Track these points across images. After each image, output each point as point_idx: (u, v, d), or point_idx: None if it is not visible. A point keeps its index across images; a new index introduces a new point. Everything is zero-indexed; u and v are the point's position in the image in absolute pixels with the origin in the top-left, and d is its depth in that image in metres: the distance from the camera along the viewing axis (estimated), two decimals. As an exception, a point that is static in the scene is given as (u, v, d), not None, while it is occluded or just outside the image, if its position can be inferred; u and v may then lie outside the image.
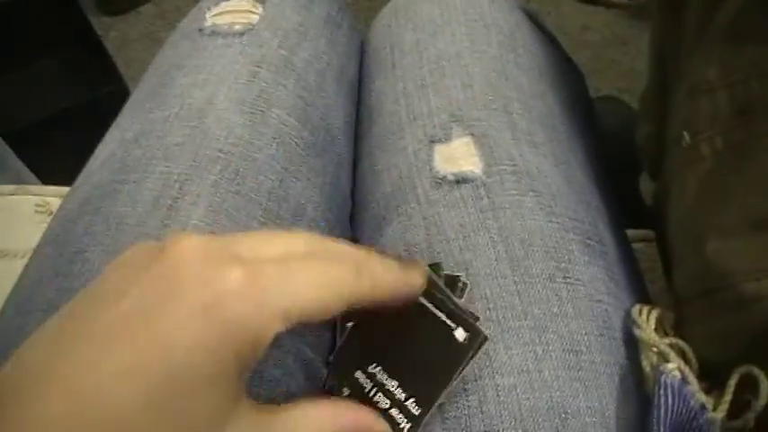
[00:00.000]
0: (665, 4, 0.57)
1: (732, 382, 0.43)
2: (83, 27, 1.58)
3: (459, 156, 0.56)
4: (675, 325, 0.50)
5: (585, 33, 1.72)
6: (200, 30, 0.63)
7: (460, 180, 0.54)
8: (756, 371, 0.43)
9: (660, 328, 0.49)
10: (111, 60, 1.52)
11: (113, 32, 1.76)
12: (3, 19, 1.58)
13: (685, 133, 0.50)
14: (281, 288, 0.32)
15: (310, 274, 0.34)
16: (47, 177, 1.16)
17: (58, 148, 1.26)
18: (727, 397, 0.43)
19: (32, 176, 1.12)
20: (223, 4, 0.65)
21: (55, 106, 1.41)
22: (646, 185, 1.13)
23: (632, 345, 0.50)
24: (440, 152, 0.56)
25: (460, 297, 0.49)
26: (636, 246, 0.81)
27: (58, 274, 0.49)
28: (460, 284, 0.49)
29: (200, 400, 0.30)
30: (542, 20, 0.73)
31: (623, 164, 0.89)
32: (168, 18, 1.80)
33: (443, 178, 0.55)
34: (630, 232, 0.81)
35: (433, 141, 0.57)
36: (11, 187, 0.80)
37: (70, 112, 1.40)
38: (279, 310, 0.32)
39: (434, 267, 0.49)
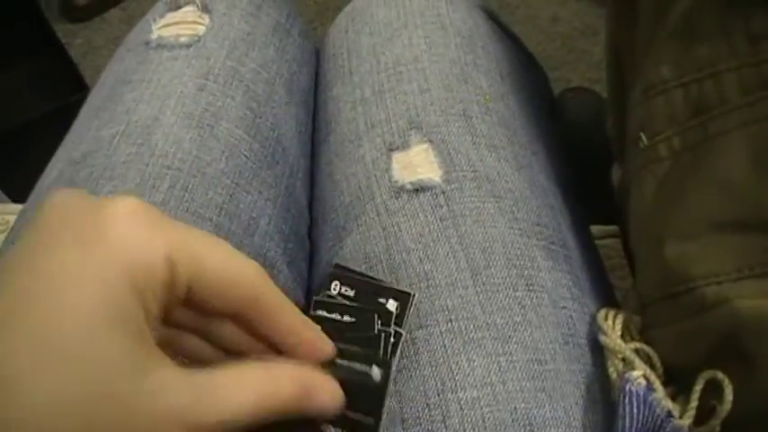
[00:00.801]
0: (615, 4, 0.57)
1: (698, 388, 0.43)
2: (46, 35, 1.56)
3: (417, 163, 0.55)
4: (642, 329, 0.49)
5: (556, 24, 1.71)
6: (147, 43, 0.62)
7: (419, 188, 0.53)
8: (720, 376, 0.42)
9: (627, 333, 0.49)
10: (77, 68, 1.50)
11: (78, 40, 1.73)
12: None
13: (642, 134, 0.49)
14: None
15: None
16: (15, 191, 1.14)
17: (24, 160, 1.24)
18: (693, 403, 0.43)
19: (-1, 192, 1.11)
20: (169, 15, 0.64)
21: (20, 117, 1.38)
22: (616, 177, 1.13)
23: (598, 351, 0.49)
24: (398, 160, 0.56)
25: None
26: (606, 242, 0.80)
27: None
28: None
29: (104, 342, 0.30)
30: (501, 19, 0.72)
31: (595, 155, 0.89)
32: (134, 23, 1.77)
33: (402, 187, 0.54)
34: (600, 228, 0.81)
35: (391, 149, 0.56)
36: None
37: (36, 123, 1.37)
38: (166, 245, 0.33)
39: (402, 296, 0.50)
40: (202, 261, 0.34)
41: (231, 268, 0.35)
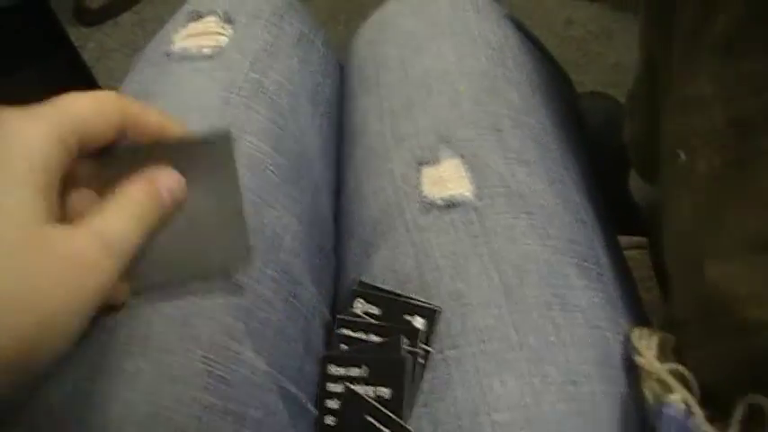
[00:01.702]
0: (653, 4, 0.55)
1: (738, 414, 0.42)
2: (60, 38, 1.55)
3: (448, 178, 0.54)
4: (676, 348, 0.48)
5: (570, 28, 1.70)
6: (168, 54, 0.60)
7: (450, 204, 0.52)
8: (763, 400, 0.41)
9: (661, 354, 0.48)
10: (89, 71, 1.49)
11: (91, 43, 1.72)
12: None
13: (680, 151, 0.48)
14: None
15: None
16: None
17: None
18: (734, 429, 0.42)
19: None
20: (191, 25, 0.62)
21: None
22: (635, 184, 1.12)
23: (632, 372, 0.48)
24: (428, 175, 0.55)
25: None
26: (629, 253, 0.79)
27: None
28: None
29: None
30: (528, 27, 0.71)
31: (611, 162, 0.88)
32: (147, 27, 1.77)
33: (432, 203, 0.53)
34: (624, 240, 0.79)
35: (420, 163, 0.55)
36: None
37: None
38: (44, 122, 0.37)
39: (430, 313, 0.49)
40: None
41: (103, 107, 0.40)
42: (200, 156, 0.45)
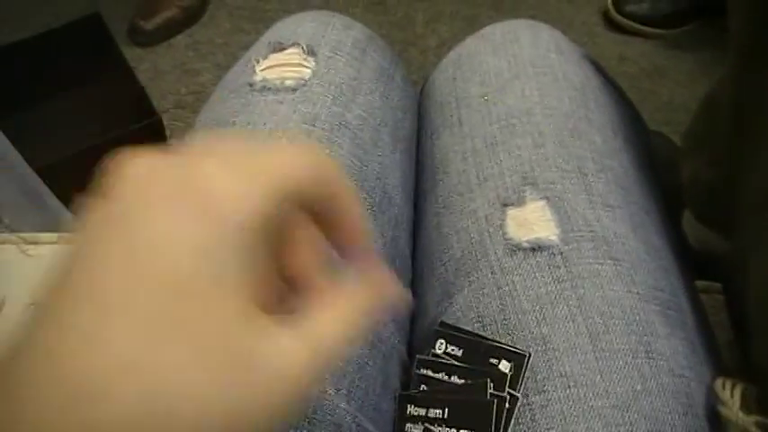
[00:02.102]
0: (748, 47, 0.55)
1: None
2: (115, 59, 1.57)
3: (533, 221, 0.54)
4: (758, 399, 0.47)
5: (622, 64, 1.69)
6: (251, 84, 0.61)
7: (536, 247, 0.52)
8: None
9: (744, 405, 0.47)
10: (145, 92, 1.51)
11: (145, 64, 1.74)
12: (34, 51, 1.58)
13: None
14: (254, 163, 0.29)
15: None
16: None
17: (87, 185, 1.23)
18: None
19: (69, 215, 1.11)
20: (273, 56, 0.63)
21: (87, 140, 1.38)
22: (689, 226, 1.11)
23: (715, 422, 0.48)
24: (513, 217, 0.55)
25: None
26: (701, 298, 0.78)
27: None
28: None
29: (209, 305, 0.26)
30: (605, 70, 0.71)
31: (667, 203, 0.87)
32: (200, 50, 1.79)
33: (518, 245, 0.53)
34: (700, 284, 0.78)
35: (505, 205, 0.55)
36: (53, 235, 0.78)
37: (102, 146, 1.36)
38: (257, 184, 0.28)
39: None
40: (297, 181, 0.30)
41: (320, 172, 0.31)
42: None
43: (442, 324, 0.52)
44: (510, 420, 0.46)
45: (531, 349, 0.48)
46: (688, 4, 1.72)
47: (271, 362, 0.28)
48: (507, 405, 0.47)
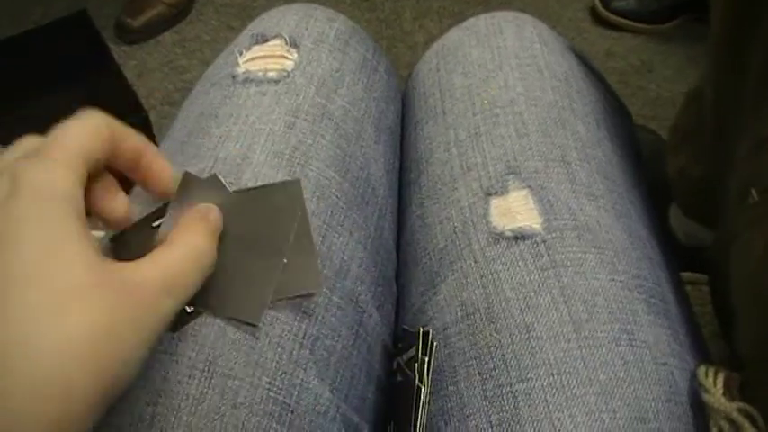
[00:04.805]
0: (725, 47, 0.55)
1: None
2: (103, 56, 1.57)
3: (516, 210, 0.54)
4: (741, 387, 0.48)
5: (610, 60, 1.70)
6: (233, 76, 0.60)
7: (519, 236, 0.52)
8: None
9: (727, 392, 0.47)
10: (132, 89, 1.51)
11: (132, 61, 1.74)
12: (20, 49, 1.57)
13: (753, 190, 0.48)
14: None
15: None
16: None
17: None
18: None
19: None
20: (256, 48, 0.62)
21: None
22: (676, 220, 1.11)
23: (699, 409, 0.48)
24: (496, 206, 0.55)
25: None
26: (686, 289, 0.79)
27: None
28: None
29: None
30: (591, 61, 0.71)
31: (653, 197, 0.87)
32: (188, 46, 1.79)
33: (501, 234, 0.53)
34: (686, 275, 0.79)
35: (488, 194, 0.55)
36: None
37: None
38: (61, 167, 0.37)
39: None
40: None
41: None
42: (272, 199, 0.48)
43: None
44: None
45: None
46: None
47: (128, 285, 0.36)
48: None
